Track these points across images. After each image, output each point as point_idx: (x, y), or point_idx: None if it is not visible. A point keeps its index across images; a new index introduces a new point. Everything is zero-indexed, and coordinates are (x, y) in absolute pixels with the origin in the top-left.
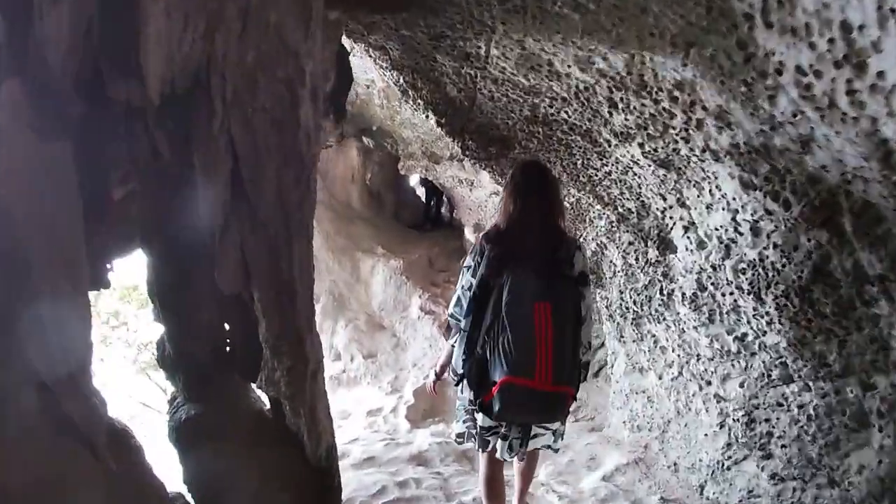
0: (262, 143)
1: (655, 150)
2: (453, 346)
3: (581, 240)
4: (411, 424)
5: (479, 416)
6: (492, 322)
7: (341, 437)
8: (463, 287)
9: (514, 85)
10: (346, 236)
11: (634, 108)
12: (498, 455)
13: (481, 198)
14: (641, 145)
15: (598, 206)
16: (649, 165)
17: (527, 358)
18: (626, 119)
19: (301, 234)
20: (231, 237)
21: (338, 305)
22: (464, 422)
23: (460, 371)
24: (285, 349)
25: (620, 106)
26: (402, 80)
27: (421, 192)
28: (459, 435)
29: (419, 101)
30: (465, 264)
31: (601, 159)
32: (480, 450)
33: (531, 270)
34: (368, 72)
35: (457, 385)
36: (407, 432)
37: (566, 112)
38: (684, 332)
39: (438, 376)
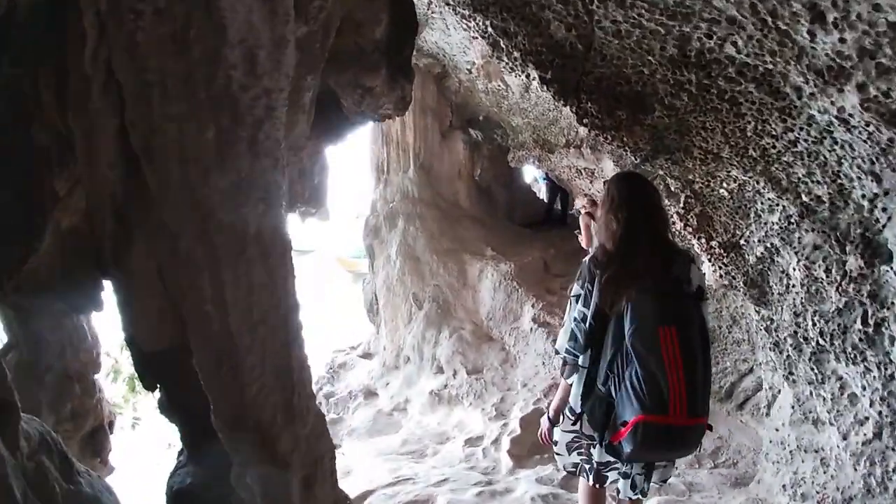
0: (155, 81)
1: (889, 93)
2: (570, 385)
3: (694, 251)
4: (514, 462)
5: (596, 450)
6: (614, 355)
7: (431, 472)
8: (576, 319)
9: (652, 5)
10: (452, 237)
11: (860, 16)
12: (621, 495)
13: (604, 190)
14: (863, 87)
15: (771, 194)
16: (867, 125)
17: (658, 391)
18: (839, 41)
19: (248, 259)
20: (140, 259)
21: (442, 313)
22: (577, 453)
23: (579, 411)
24: (244, 446)
25: (833, 16)
26: (489, 28)
27: (539, 187)
28: (572, 466)
29: (514, 53)
30: (572, 293)
31: (785, 120)
32: (595, 484)
33: (649, 292)
34: (468, 51)
35: (574, 424)
36: (508, 473)
37: (734, 44)
38: (894, 379)
39: (553, 422)
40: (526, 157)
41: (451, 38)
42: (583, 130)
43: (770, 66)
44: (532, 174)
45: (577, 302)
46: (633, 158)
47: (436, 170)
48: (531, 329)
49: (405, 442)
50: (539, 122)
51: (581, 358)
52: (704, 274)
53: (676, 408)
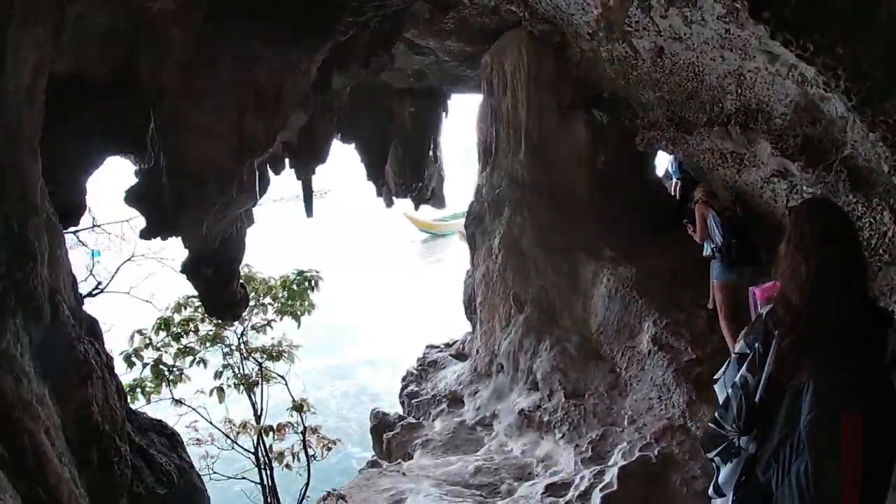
0: None
1: None
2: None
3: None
4: None
5: None
6: (783, 440)
7: None
8: (735, 385)
9: None
10: (564, 232)
11: None
12: None
13: (755, 181)
14: None
15: None
16: None
17: (830, 495)
18: None
19: None
20: None
21: (545, 319)
22: None
23: (730, 500)
24: None
25: None
26: None
27: (671, 184)
28: None
29: None
30: (736, 350)
31: None
32: None
33: (838, 364)
34: (588, 8)
35: None
36: None
37: None
38: None
39: None
40: (657, 139)
41: None
42: (730, 104)
43: None
44: (665, 167)
45: (738, 364)
46: (844, 101)
47: (551, 153)
48: (650, 351)
49: (479, 471)
50: (674, 96)
51: (739, 438)
52: None
53: None
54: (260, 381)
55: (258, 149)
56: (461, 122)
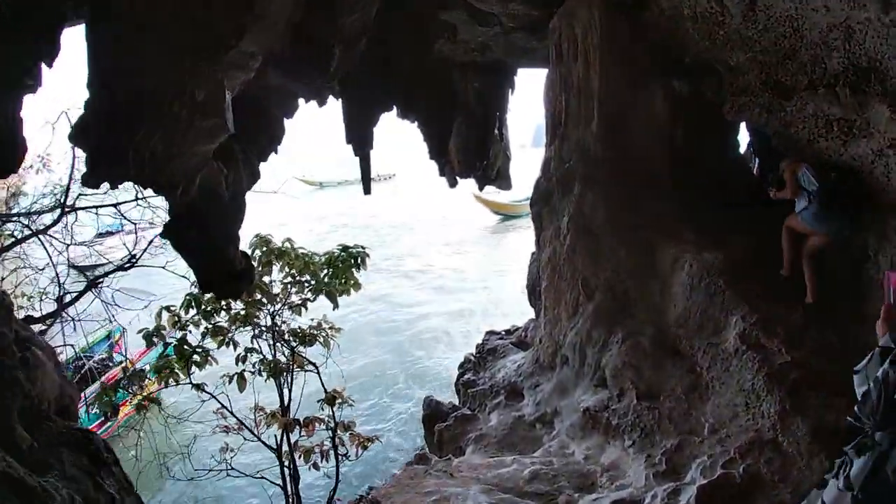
0: None
1: None
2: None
3: None
4: None
5: None
6: None
7: None
8: (877, 380)
9: None
10: (640, 211)
11: None
12: None
13: (864, 155)
14: None
15: None
16: None
17: None
18: None
19: None
20: None
21: (618, 308)
22: None
23: (858, 495)
24: None
25: None
26: None
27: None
28: None
29: None
30: (880, 343)
31: None
32: None
33: None
34: None
35: None
36: None
37: None
38: None
39: None
40: (749, 107)
41: None
42: (836, 63)
43: None
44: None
45: (883, 357)
46: None
47: (625, 125)
48: (737, 350)
49: (535, 477)
50: (768, 56)
51: (877, 433)
52: None
53: None
54: (291, 367)
55: (221, 50)
56: (531, 99)
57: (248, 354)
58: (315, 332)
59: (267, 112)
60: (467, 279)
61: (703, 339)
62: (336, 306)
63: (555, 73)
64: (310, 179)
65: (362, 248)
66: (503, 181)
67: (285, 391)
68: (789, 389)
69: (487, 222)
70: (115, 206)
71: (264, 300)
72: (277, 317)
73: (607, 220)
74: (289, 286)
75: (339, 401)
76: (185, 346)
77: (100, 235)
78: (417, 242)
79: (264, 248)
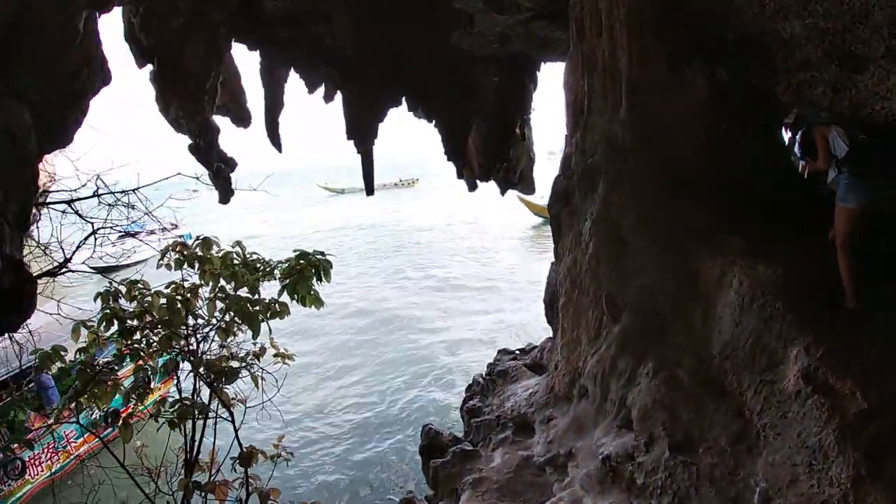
0: None
1: None
2: None
3: None
4: None
5: None
6: None
7: None
8: None
9: None
10: (677, 215)
11: None
12: None
13: None
14: None
15: None
16: None
17: None
18: None
19: None
20: None
21: (649, 331)
22: None
23: None
24: None
25: None
26: None
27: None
28: None
29: None
30: None
31: None
32: None
33: None
34: None
35: None
36: None
37: None
38: None
39: None
40: (811, 84)
41: None
42: None
43: None
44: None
45: None
46: None
47: (659, 113)
48: (798, 392)
49: None
50: (833, 21)
51: None
52: None
53: None
54: (205, 409)
55: None
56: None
57: (137, 391)
58: (237, 366)
59: None
60: (495, 288)
61: (754, 375)
62: (256, 334)
63: (576, 54)
64: (331, 186)
65: (322, 254)
66: (526, 185)
67: (208, 438)
68: (866, 448)
69: (523, 227)
70: (69, 202)
71: (183, 320)
72: (203, 341)
73: (638, 224)
74: (214, 301)
75: (273, 458)
76: (88, 370)
77: (121, 236)
78: (439, 250)
79: (182, 253)
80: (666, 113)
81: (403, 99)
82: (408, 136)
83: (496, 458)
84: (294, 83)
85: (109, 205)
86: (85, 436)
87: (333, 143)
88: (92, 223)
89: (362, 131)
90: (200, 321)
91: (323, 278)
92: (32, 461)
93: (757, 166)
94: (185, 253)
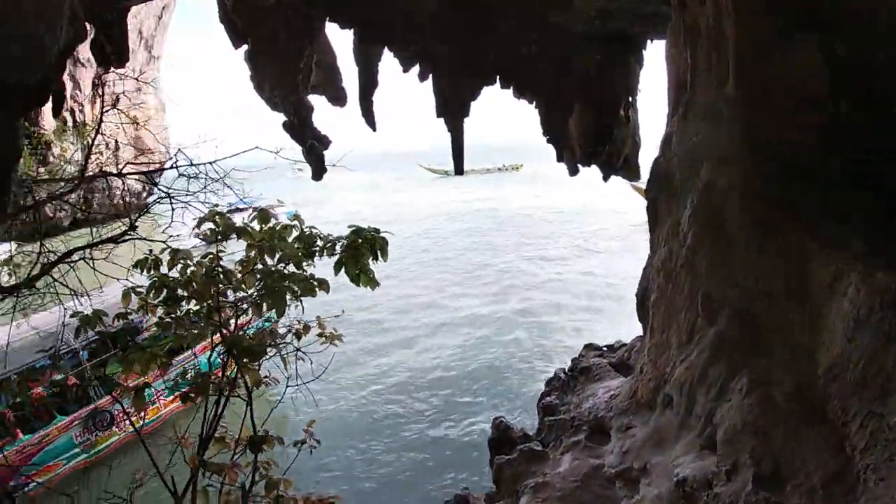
0: None
1: None
2: None
3: None
4: None
5: None
6: None
7: None
8: None
9: None
10: (784, 206)
11: None
12: None
13: None
14: None
15: None
16: None
17: None
18: None
19: None
20: None
21: (748, 339)
22: None
23: None
24: None
25: None
26: None
27: None
28: None
29: None
30: None
31: None
32: None
33: None
34: None
35: None
36: None
37: None
38: None
39: None
40: None
41: None
42: None
43: None
44: None
45: None
46: None
47: (770, 89)
48: None
49: None
50: None
51: None
52: None
53: None
54: (229, 385)
55: None
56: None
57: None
58: (262, 345)
59: None
60: (594, 282)
61: (863, 404)
62: (280, 312)
63: (678, 23)
64: (435, 168)
65: (377, 231)
66: (631, 171)
67: (243, 416)
68: None
69: (634, 216)
70: (145, 173)
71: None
72: (240, 316)
73: (742, 212)
74: (254, 275)
75: (297, 444)
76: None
77: (229, 211)
78: (541, 239)
79: (217, 223)
80: (777, 89)
81: (497, 77)
82: (511, 118)
83: (564, 463)
84: (389, 62)
85: (188, 177)
86: (175, 395)
87: (433, 126)
88: (169, 194)
89: (453, 109)
90: (241, 294)
91: (379, 257)
92: (121, 415)
93: (881, 154)
94: (221, 223)
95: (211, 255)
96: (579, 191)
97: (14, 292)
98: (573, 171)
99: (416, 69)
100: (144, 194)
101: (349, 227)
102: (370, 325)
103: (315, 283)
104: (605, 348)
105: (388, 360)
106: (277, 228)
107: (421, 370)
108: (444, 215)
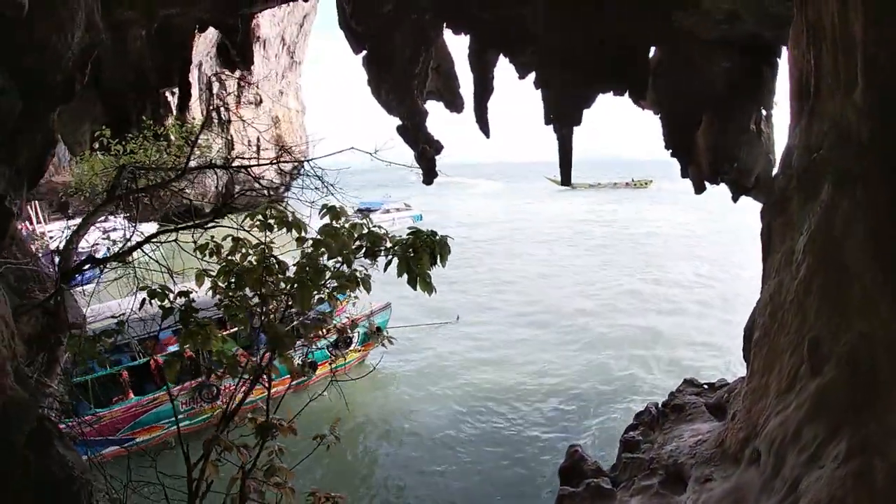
0: None
1: None
2: None
3: None
4: None
5: None
6: None
7: None
8: None
9: None
10: None
11: None
12: None
13: None
14: None
15: None
16: None
17: None
18: None
19: None
20: None
21: (857, 396)
22: None
23: None
24: None
25: None
26: None
27: None
28: None
29: None
30: None
31: None
32: None
33: None
34: None
35: None
36: None
37: None
38: None
39: None
40: None
41: None
42: None
43: None
44: None
45: None
46: None
47: None
48: None
49: None
50: None
51: None
52: None
53: None
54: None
55: None
56: None
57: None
58: (292, 335)
59: None
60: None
61: None
62: (304, 306)
63: (800, 20)
64: (558, 180)
65: (435, 234)
66: (763, 191)
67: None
68: None
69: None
70: (245, 168)
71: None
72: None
73: (868, 244)
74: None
75: (316, 439)
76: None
77: (359, 211)
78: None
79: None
80: None
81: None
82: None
83: None
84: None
85: (288, 173)
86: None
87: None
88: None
89: (563, 116)
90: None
91: (439, 261)
92: (226, 390)
93: None
94: (272, 216)
95: (262, 246)
96: (728, 211)
97: (102, 264)
98: (699, 189)
99: (532, 76)
100: (282, 189)
101: (409, 228)
102: (480, 333)
103: (357, 280)
104: (705, 385)
105: (486, 371)
106: (346, 226)
107: (518, 386)
108: (567, 227)
